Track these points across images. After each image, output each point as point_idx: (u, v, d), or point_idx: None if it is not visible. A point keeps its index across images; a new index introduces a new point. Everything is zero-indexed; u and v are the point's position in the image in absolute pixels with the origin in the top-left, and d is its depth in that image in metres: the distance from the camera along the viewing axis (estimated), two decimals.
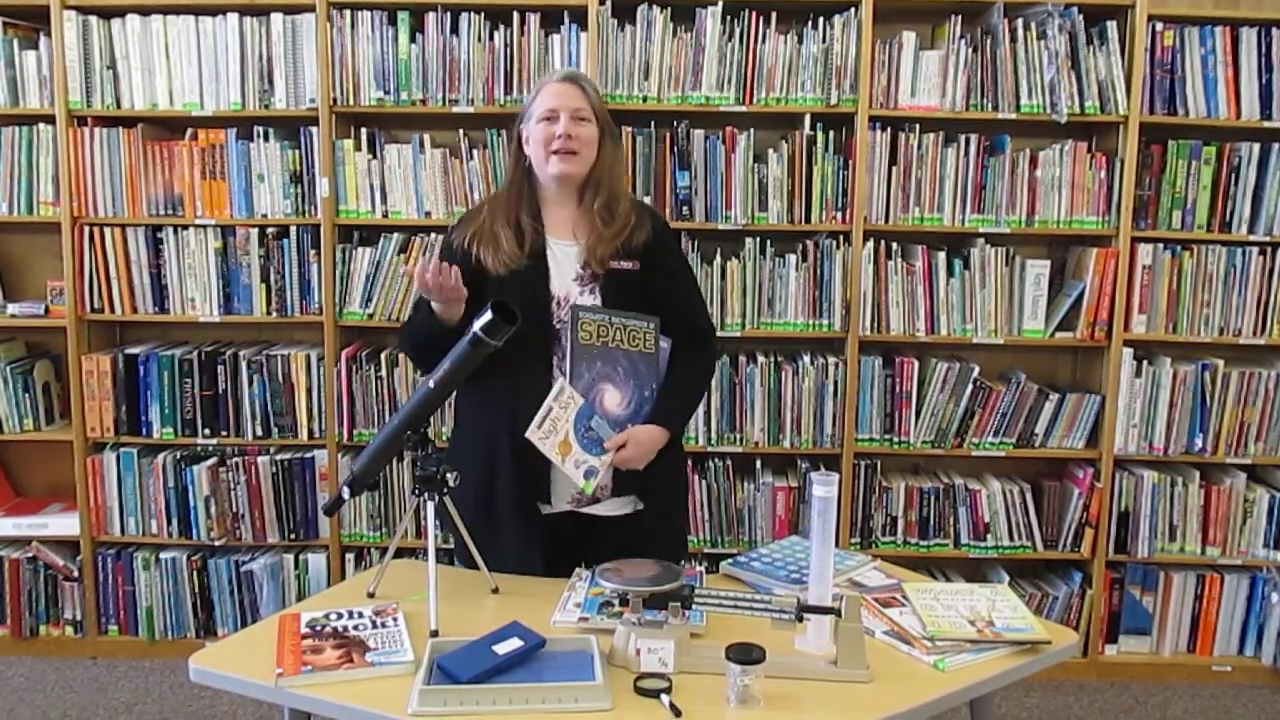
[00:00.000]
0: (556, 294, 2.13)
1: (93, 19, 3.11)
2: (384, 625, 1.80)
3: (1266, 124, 3.11)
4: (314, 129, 3.14)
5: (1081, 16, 3.05)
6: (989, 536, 3.25)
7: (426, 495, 1.88)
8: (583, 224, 2.17)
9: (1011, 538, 3.26)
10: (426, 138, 3.17)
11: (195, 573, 3.31)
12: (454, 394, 2.13)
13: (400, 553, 2.18)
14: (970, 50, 3.07)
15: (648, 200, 3.10)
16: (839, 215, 3.15)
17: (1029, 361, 3.38)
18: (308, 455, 3.29)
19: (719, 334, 3.13)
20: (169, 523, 3.30)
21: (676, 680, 1.63)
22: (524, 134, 2.19)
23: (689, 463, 3.16)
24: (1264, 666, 3.29)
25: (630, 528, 2.16)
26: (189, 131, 3.19)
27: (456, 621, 1.79)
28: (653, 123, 3.11)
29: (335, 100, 3.12)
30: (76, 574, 3.34)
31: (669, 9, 3.06)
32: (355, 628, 1.79)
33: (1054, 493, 3.29)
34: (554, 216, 2.19)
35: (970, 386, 3.19)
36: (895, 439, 3.23)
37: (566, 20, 3.08)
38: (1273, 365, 3.23)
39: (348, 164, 3.16)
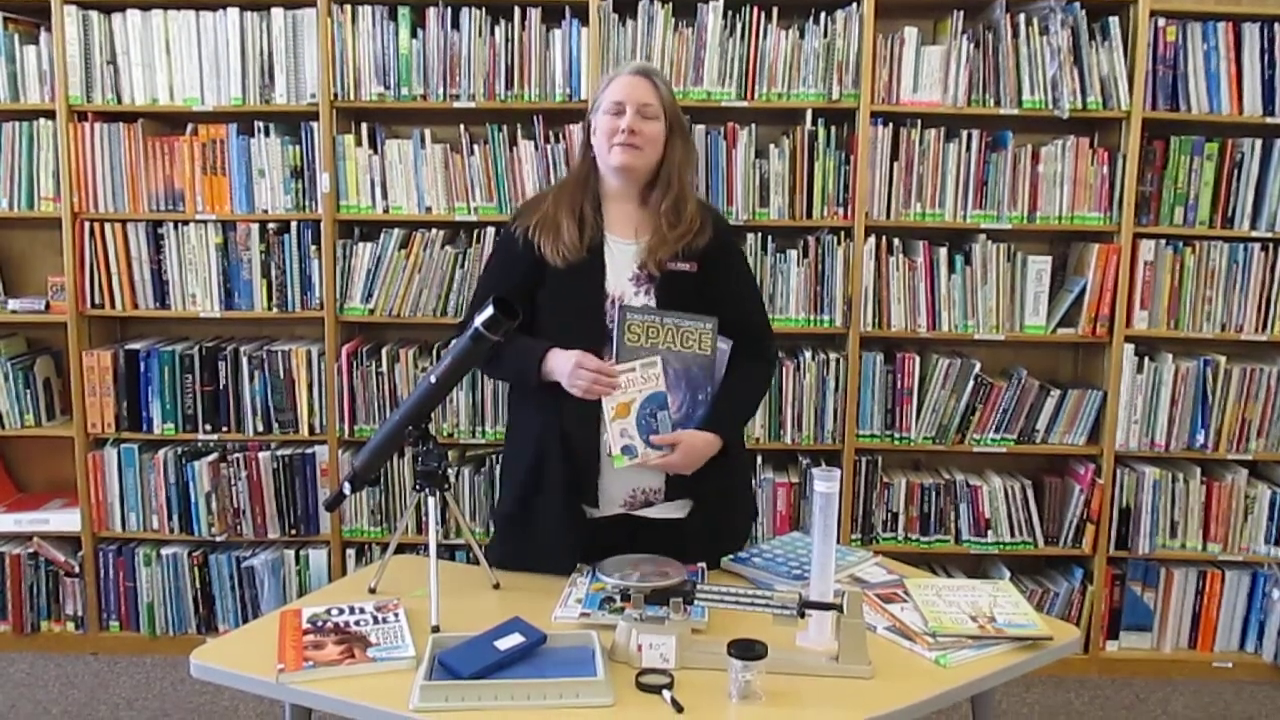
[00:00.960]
0: (611, 293, 2.09)
1: (93, 13, 3.11)
2: (385, 621, 1.80)
3: (1269, 120, 3.10)
4: (315, 124, 3.14)
5: (1084, 12, 3.05)
6: (990, 532, 3.25)
7: (428, 491, 1.88)
8: (646, 224, 2.12)
9: (1012, 534, 3.26)
10: (427, 133, 3.17)
11: (196, 568, 3.31)
12: (509, 395, 2.09)
13: (401, 548, 2.18)
14: (972, 46, 3.06)
15: None
16: (840, 211, 3.15)
17: (1030, 358, 3.37)
18: (309, 451, 3.29)
19: None
20: (170, 518, 3.30)
21: (678, 676, 1.63)
22: (592, 124, 2.15)
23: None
24: (1265, 663, 3.29)
25: (681, 531, 2.11)
26: (189, 126, 3.19)
27: (458, 617, 1.79)
28: None
29: (336, 95, 3.12)
30: (77, 570, 3.34)
31: (670, 4, 3.05)
32: (357, 623, 1.79)
33: (1055, 489, 3.29)
34: (614, 213, 2.15)
35: (971, 382, 3.18)
36: (896, 435, 3.22)
37: (567, 15, 3.07)
38: (1274, 362, 3.22)
39: (348, 159, 3.16)
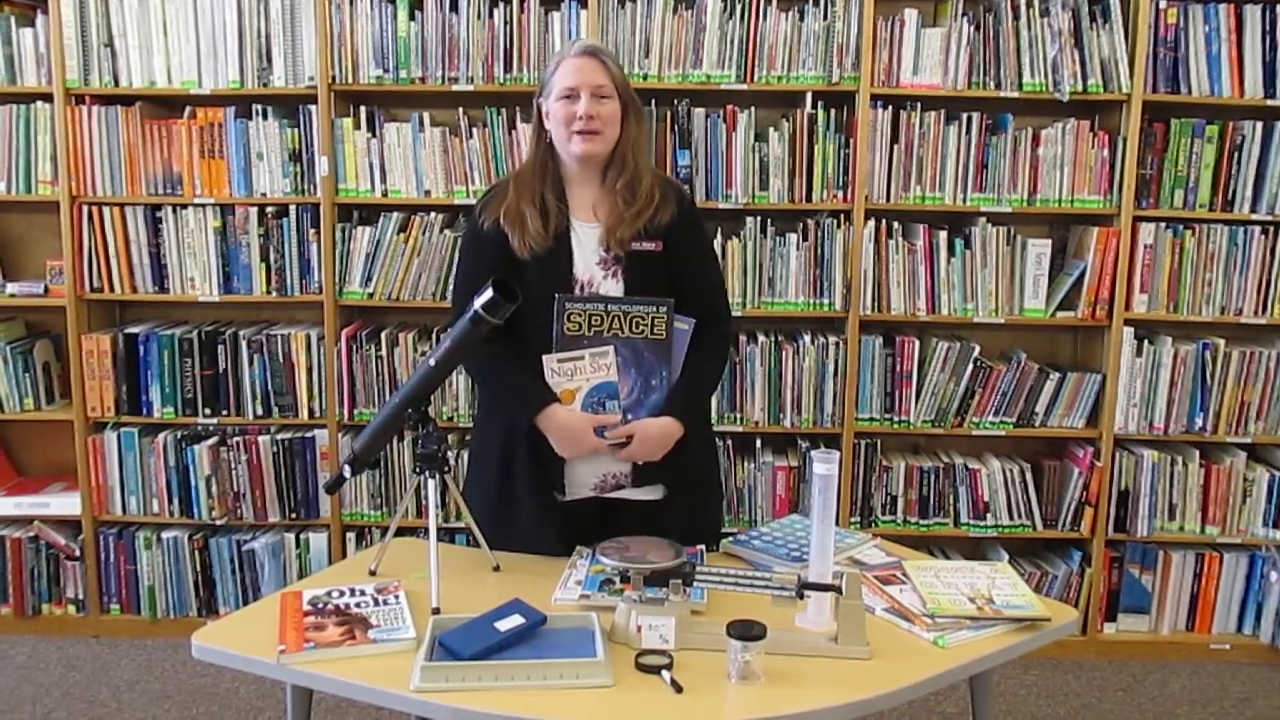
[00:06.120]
0: (580, 278, 2.07)
1: None
2: (386, 603, 1.80)
3: (1270, 102, 3.09)
4: (313, 107, 3.13)
5: None
6: (989, 516, 3.26)
7: (427, 473, 1.88)
8: (604, 203, 2.10)
9: (1011, 517, 3.27)
10: (426, 116, 3.16)
11: (197, 552, 3.32)
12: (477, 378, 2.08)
13: (401, 531, 2.18)
14: (972, 28, 3.05)
15: None
16: (840, 194, 3.14)
17: (1030, 341, 3.37)
18: (308, 434, 3.29)
19: None
20: (170, 502, 3.30)
21: (677, 657, 1.63)
22: (544, 109, 2.11)
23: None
24: (1262, 645, 3.30)
25: (655, 512, 2.11)
26: (187, 110, 3.18)
27: (458, 599, 1.80)
28: (653, 101, 3.09)
29: (334, 78, 3.11)
30: (78, 553, 3.34)
31: None
32: (357, 605, 1.79)
33: (1054, 472, 3.30)
34: (577, 196, 2.12)
35: (971, 366, 3.19)
36: (895, 418, 3.23)
37: None
38: (1273, 345, 3.22)
39: (347, 143, 3.15)
